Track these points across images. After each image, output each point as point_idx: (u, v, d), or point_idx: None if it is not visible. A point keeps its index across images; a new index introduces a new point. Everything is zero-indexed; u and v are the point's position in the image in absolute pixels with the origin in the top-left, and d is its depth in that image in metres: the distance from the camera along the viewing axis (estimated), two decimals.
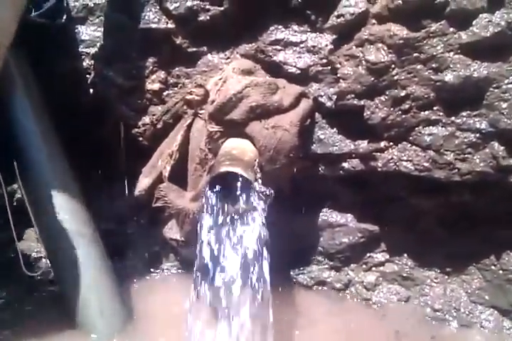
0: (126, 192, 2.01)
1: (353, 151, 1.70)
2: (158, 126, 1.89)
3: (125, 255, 2.06)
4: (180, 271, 2.09)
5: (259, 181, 1.57)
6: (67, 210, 1.78)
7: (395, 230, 1.83)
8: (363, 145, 1.68)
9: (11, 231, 1.74)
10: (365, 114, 1.62)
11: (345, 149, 1.71)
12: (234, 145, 1.65)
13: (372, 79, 1.57)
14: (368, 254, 1.90)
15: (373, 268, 1.91)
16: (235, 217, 1.56)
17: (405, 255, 1.87)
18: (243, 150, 1.63)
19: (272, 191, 1.54)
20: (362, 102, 1.62)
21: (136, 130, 1.96)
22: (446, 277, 1.83)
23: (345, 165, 1.74)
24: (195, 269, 1.55)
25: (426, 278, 1.85)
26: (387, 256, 1.89)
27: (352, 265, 1.93)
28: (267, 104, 1.62)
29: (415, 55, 1.51)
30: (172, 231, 1.89)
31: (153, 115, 1.91)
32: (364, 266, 1.92)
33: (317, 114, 1.75)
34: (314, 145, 1.75)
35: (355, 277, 1.92)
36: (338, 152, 1.72)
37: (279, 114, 1.65)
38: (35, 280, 1.92)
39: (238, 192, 1.54)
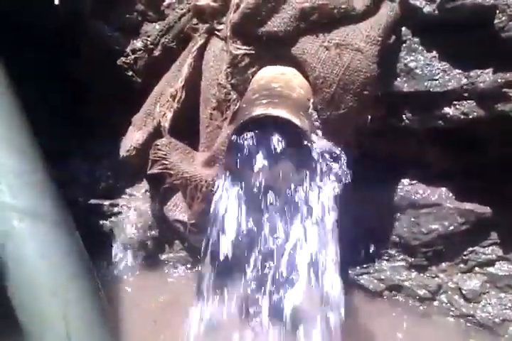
0: (111, 153, 1.44)
1: (467, 87, 1.09)
2: (156, 52, 1.36)
3: (110, 244, 1.51)
4: (188, 265, 1.53)
5: (319, 133, 0.98)
6: (14, 177, 1.17)
7: None
8: (486, 76, 1.07)
9: None
10: (495, 22, 1.00)
11: (451, 84, 1.10)
12: (273, 75, 1.08)
13: None
14: (471, 248, 1.32)
15: (477, 269, 1.34)
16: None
17: None
18: (288, 82, 1.05)
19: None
20: (492, 0, 0.99)
21: (123, 60, 1.42)
22: None
23: (448, 110, 1.13)
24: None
25: None
26: (500, 252, 1.31)
27: (444, 264, 1.35)
28: (328, 6, 1.02)
29: None
30: (178, 209, 1.37)
31: (148, 37, 1.37)
32: (463, 266, 1.34)
33: (404, 29, 1.13)
34: (398, 79, 1.14)
35: (448, 281, 1.35)
36: (438, 89, 1.11)
37: (346, 24, 1.05)
38: None
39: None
